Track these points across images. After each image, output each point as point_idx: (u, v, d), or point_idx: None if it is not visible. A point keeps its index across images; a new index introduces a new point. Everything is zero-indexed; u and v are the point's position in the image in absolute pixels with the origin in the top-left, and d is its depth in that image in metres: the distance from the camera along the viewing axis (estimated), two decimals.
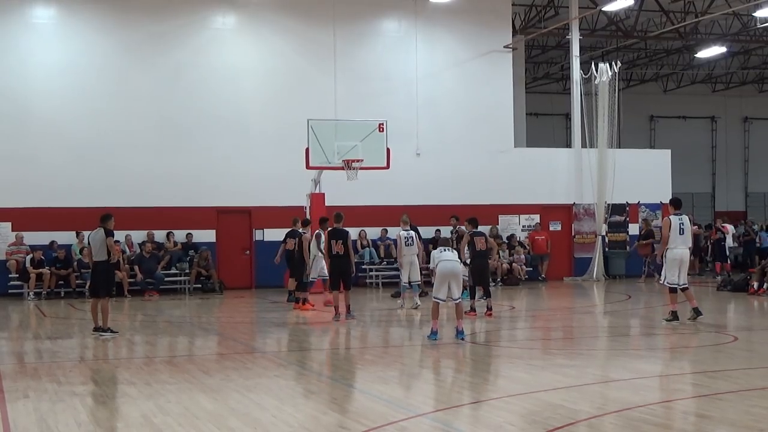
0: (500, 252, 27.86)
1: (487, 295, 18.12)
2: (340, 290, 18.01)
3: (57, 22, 26.28)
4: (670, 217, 16.46)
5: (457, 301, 14.52)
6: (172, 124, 26.68)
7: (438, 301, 14.41)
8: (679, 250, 16.32)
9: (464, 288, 19.40)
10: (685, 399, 9.89)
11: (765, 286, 22.31)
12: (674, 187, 31.11)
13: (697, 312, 16.42)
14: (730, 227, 30.54)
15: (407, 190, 27.60)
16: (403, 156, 26.68)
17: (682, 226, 16.40)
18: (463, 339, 14.26)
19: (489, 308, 17.89)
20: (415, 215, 23.74)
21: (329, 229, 18.48)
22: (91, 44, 26.49)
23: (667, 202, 17.60)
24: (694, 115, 43.69)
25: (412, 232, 20.38)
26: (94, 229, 15.93)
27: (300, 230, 20.95)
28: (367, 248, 27.76)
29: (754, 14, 30.53)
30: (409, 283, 20.10)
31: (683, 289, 16.48)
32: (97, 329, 15.70)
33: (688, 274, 16.91)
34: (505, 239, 28.77)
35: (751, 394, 9.75)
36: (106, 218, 15.96)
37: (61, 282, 24.83)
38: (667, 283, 16.38)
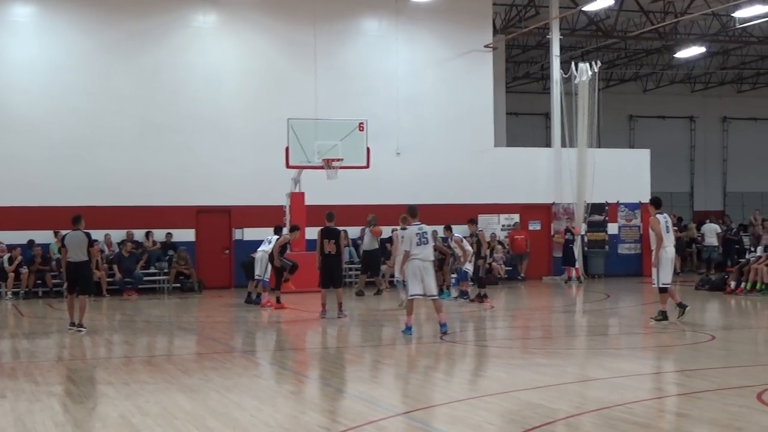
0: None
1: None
2: (328, 289, 18.35)
3: (36, 19, 26.08)
4: (657, 216, 16.37)
5: (435, 298, 14.59)
6: (151, 123, 26.52)
7: (415, 297, 14.45)
8: (671, 248, 16.33)
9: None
10: (663, 398, 9.94)
11: (742, 286, 22.47)
12: (653, 186, 31.22)
13: (682, 306, 16.38)
14: (582, 227, 29.07)
15: (387, 190, 27.52)
16: (383, 155, 26.67)
17: (667, 225, 16.42)
18: (446, 332, 14.35)
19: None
20: (395, 214, 23.65)
21: (322, 228, 18.62)
22: (70, 42, 26.31)
23: (648, 201, 17.55)
24: (673, 114, 43.85)
25: None
26: (72, 231, 16.07)
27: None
28: (347, 247, 27.64)
29: (733, 15, 30.67)
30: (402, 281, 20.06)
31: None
32: (73, 324, 15.98)
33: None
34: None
35: (729, 392, 9.80)
36: (77, 220, 16.11)
37: (39, 281, 24.67)
38: (662, 284, 16.22)
